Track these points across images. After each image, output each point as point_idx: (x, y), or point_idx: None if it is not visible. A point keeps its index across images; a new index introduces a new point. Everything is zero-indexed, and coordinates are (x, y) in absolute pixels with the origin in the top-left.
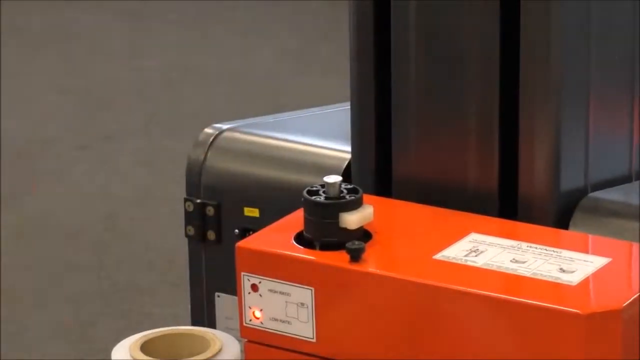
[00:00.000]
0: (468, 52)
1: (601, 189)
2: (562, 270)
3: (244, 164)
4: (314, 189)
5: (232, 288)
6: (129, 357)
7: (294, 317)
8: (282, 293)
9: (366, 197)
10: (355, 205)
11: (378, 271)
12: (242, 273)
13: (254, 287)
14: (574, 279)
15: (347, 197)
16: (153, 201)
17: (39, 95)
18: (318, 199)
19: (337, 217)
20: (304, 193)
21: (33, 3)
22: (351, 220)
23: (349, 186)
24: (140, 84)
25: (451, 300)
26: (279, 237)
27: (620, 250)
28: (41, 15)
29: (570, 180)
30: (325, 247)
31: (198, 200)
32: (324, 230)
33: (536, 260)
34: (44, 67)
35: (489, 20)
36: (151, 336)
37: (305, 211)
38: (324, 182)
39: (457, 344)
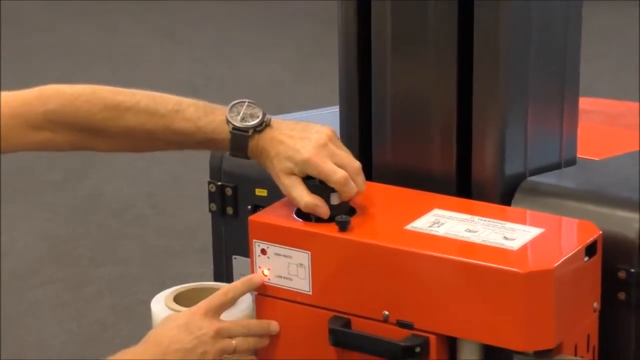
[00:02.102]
0: (431, 64)
1: (537, 174)
2: (506, 238)
3: None
4: None
5: (246, 252)
6: (165, 306)
7: (294, 275)
8: (285, 256)
9: None
10: None
11: (361, 239)
12: (254, 240)
13: (263, 251)
14: (515, 245)
15: None
16: (183, 184)
17: None
18: (314, 182)
19: (328, 196)
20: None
21: (84, 26)
22: (335, 197)
23: None
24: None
25: (419, 262)
26: (283, 212)
27: (552, 222)
28: (92, 35)
29: (512, 166)
30: (319, 219)
31: (219, 183)
32: None
33: (485, 230)
34: (93, 77)
35: (448, 39)
36: (182, 290)
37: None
38: None
39: (423, 297)
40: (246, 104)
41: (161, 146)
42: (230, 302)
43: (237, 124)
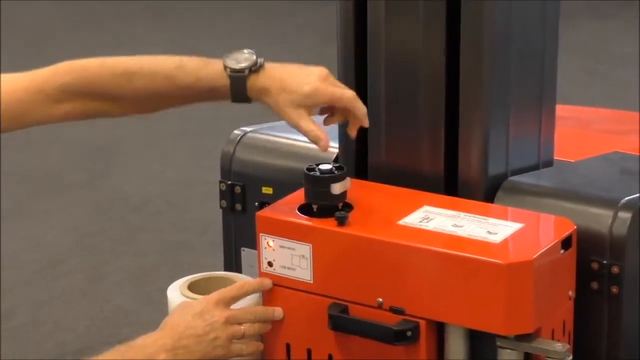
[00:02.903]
0: (422, 72)
1: (517, 174)
2: (489, 233)
3: (262, 156)
4: (312, 166)
5: (253, 244)
6: (180, 294)
7: (297, 266)
8: (289, 248)
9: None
10: (340, 178)
11: (358, 233)
12: (261, 234)
13: (269, 244)
14: (497, 238)
15: (336, 172)
16: (196, 183)
17: None
18: (314, 173)
19: (328, 186)
20: (305, 171)
21: (101, 35)
22: (336, 187)
23: (336, 165)
24: None
25: (410, 254)
26: (287, 208)
27: (531, 218)
28: (109, 44)
29: (495, 167)
30: (320, 213)
31: (229, 182)
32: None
33: (470, 225)
34: None
35: (437, 52)
36: (195, 279)
37: (305, 183)
38: (317, 164)
39: (414, 285)
40: (242, 51)
41: (167, 103)
42: (240, 297)
43: (234, 67)
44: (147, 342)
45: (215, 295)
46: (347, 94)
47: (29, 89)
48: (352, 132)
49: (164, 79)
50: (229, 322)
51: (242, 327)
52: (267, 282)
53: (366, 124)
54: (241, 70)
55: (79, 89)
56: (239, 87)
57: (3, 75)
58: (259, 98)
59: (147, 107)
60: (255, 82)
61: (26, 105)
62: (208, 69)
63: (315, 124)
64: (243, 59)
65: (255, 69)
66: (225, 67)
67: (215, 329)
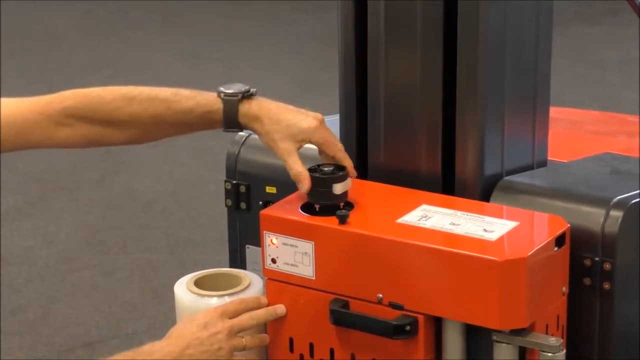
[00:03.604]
0: (420, 79)
1: (512, 174)
2: (485, 231)
3: (266, 156)
4: (314, 167)
5: (257, 242)
6: (187, 289)
7: (300, 262)
8: (292, 245)
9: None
10: (341, 178)
11: (359, 231)
12: (264, 232)
13: (273, 242)
14: (493, 236)
15: (337, 172)
16: (203, 182)
17: None
18: (318, 174)
19: (330, 186)
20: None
21: (114, 43)
22: (338, 187)
23: (338, 166)
24: None
25: (409, 251)
26: (290, 207)
27: (526, 217)
28: (121, 52)
29: (491, 167)
30: (322, 212)
31: (234, 182)
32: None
33: (467, 223)
34: None
35: (435, 60)
36: (201, 275)
37: None
38: (319, 165)
39: (413, 282)
40: (235, 83)
41: (165, 129)
42: (243, 311)
43: (227, 91)
44: (154, 349)
45: (219, 308)
46: (340, 144)
47: (33, 110)
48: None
49: (161, 102)
50: (232, 332)
51: (243, 340)
52: (280, 311)
53: (354, 174)
54: (234, 95)
55: (80, 113)
56: (231, 111)
57: (8, 99)
58: (250, 124)
59: (145, 134)
60: (248, 108)
61: (30, 125)
62: (203, 95)
63: (302, 163)
64: (236, 87)
65: (247, 95)
66: (219, 93)
67: (219, 340)
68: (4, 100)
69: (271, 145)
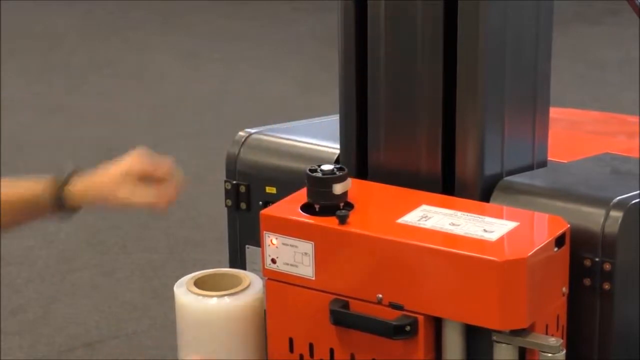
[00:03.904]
0: (420, 81)
1: (512, 174)
2: (485, 231)
3: (266, 156)
4: (314, 168)
5: (257, 242)
6: (187, 290)
7: (300, 262)
8: (291, 245)
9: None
10: (341, 178)
11: (358, 231)
12: (264, 232)
13: (272, 242)
14: (493, 236)
15: (337, 173)
16: (203, 182)
17: (125, 110)
18: (318, 174)
19: (330, 187)
20: (307, 172)
21: (115, 43)
22: (337, 187)
23: (338, 166)
24: (194, 103)
25: (409, 251)
26: (290, 207)
27: (526, 217)
28: (122, 52)
29: (491, 168)
30: (322, 212)
31: (234, 182)
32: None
33: (467, 224)
34: (125, 91)
35: (435, 61)
36: (201, 275)
37: (308, 184)
38: (319, 165)
39: (413, 282)
40: None
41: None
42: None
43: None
44: None
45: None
46: (157, 164)
47: None
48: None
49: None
50: None
51: None
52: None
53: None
54: (56, 180)
55: None
56: (59, 192)
57: None
58: (84, 200)
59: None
60: (75, 187)
61: None
62: (33, 185)
63: (146, 195)
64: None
65: (70, 173)
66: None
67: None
68: None
69: (115, 202)
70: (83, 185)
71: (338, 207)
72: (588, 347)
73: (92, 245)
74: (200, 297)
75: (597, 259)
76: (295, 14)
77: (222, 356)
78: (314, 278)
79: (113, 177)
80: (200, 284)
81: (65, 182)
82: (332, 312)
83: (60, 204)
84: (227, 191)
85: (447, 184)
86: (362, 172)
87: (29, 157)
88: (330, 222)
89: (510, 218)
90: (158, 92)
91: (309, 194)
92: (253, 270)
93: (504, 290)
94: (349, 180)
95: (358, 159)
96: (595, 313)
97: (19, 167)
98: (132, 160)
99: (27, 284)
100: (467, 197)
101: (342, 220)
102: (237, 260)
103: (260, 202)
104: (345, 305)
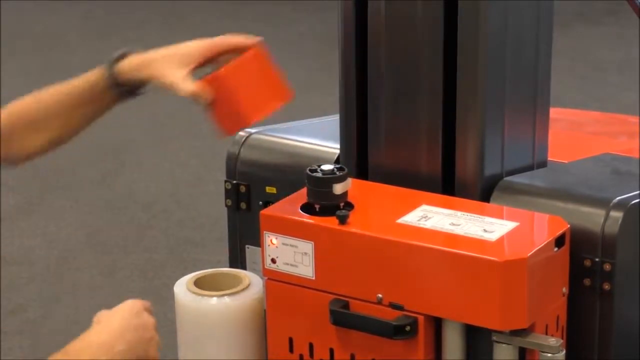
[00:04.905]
0: (420, 76)
1: (512, 174)
2: (485, 231)
3: (266, 156)
4: (314, 167)
5: (257, 242)
6: (187, 289)
7: (300, 262)
8: (291, 245)
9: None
10: (341, 178)
11: (358, 231)
12: (264, 232)
13: (272, 242)
14: (493, 237)
15: (337, 172)
16: (203, 182)
17: (125, 110)
18: (318, 174)
19: (330, 187)
20: (307, 172)
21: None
22: (338, 187)
23: (338, 166)
24: (194, 102)
25: (409, 251)
26: (290, 207)
27: (526, 217)
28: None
29: (491, 168)
30: (322, 212)
31: (234, 182)
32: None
33: (467, 224)
34: None
35: (435, 56)
36: (201, 275)
37: (308, 184)
38: (319, 165)
39: (413, 282)
40: None
41: (73, 115)
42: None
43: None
44: (86, 342)
45: (144, 303)
46: (219, 38)
47: None
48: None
49: (60, 88)
50: (155, 328)
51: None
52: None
53: (253, 40)
54: (110, 60)
55: (7, 129)
56: (111, 70)
57: None
58: (137, 75)
59: (61, 126)
60: (129, 62)
61: None
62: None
63: (193, 82)
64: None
65: (126, 52)
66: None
67: (151, 330)
68: None
69: (162, 82)
70: (136, 60)
71: (338, 207)
72: (588, 347)
73: (92, 245)
74: (200, 297)
75: (597, 259)
76: (296, 14)
77: (222, 356)
78: (313, 278)
79: (167, 56)
80: (200, 283)
81: (118, 58)
82: (332, 312)
83: (114, 82)
84: (227, 191)
85: (447, 184)
86: (362, 172)
87: None
88: (330, 222)
89: (510, 218)
90: (158, 91)
91: (309, 194)
92: (253, 270)
93: (504, 291)
94: (349, 180)
95: (358, 159)
96: (595, 313)
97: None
98: (192, 46)
99: (27, 284)
100: (467, 197)
101: (342, 220)
102: (237, 260)
103: (260, 202)
104: (345, 305)
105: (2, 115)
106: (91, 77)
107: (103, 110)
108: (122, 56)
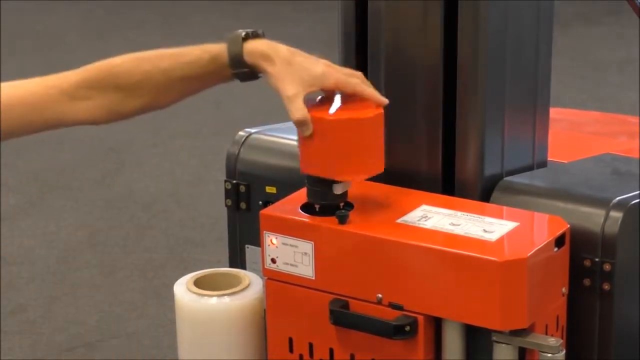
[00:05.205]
0: (420, 76)
1: (512, 174)
2: (485, 231)
3: (266, 156)
4: None
5: (257, 242)
6: (187, 289)
7: (299, 262)
8: (291, 245)
9: None
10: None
11: (358, 231)
12: (264, 231)
13: (272, 241)
14: (493, 237)
15: None
16: (203, 182)
17: None
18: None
19: (330, 187)
20: None
21: (113, 42)
22: (338, 187)
23: None
24: (195, 101)
25: (409, 251)
26: (290, 207)
27: (526, 217)
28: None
29: (491, 168)
30: (322, 212)
31: (234, 181)
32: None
33: (467, 224)
34: None
35: (435, 56)
36: (201, 275)
37: (308, 184)
38: None
39: (413, 282)
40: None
41: (177, 87)
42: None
43: (232, 33)
44: None
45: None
46: (352, 81)
47: (44, 85)
48: None
49: (170, 57)
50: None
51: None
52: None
53: (383, 101)
54: (238, 33)
55: (93, 83)
56: (236, 49)
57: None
58: (259, 63)
59: (158, 95)
60: (255, 46)
61: (41, 100)
62: (210, 44)
63: (304, 109)
64: (241, 29)
65: (253, 34)
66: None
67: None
68: (11, 83)
69: (278, 87)
70: (263, 47)
71: (338, 207)
72: (588, 347)
73: (92, 245)
74: (200, 297)
75: (597, 260)
76: (296, 14)
77: (221, 356)
78: (313, 278)
79: (295, 66)
80: (200, 283)
81: (245, 38)
82: (332, 312)
83: (238, 62)
84: (227, 191)
85: (447, 184)
86: None
87: (30, 157)
88: (330, 222)
89: (510, 218)
90: None
91: (309, 194)
92: (253, 270)
93: (504, 291)
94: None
95: None
96: (595, 313)
97: (19, 167)
98: (326, 73)
99: (27, 284)
100: (467, 197)
101: (342, 220)
102: (237, 260)
103: (260, 202)
104: (345, 305)
105: (90, 67)
106: (212, 50)
107: (213, 85)
108: (248, 36)
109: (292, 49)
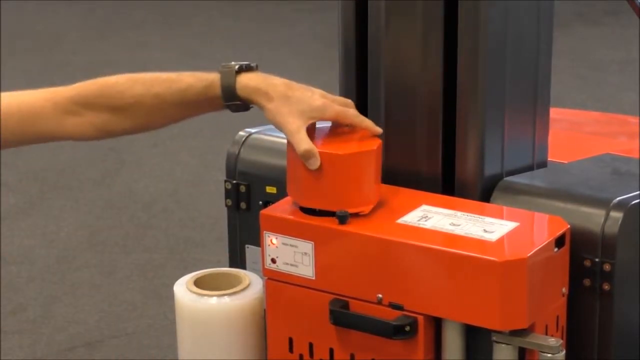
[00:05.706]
0: (420, 76)
1: (512, 175)
2: (485, 231)
3: (267, 156)
4: None
5: (257, 242)
6: (187, 289)
7: (300, 262)
8: (291, 245)
9: None
10: None
11: (358, 231)
12: (264, 231)
13: (272, 241)
14: (493, 237)
15: None
16: (203, 182)
17: None
18: None
19: None
20: None
21: (116, 42)
22: None
23: None
24: None
25: (409, 251)
26: (290, 207)
27: (526, 218)
28: (123, 51)
29: (491, 168)
30: (322, 212)
31: (234, 181)
32: None
33: (467, 224)
34: None
35: (435, 56)
36: (201, 274)
37: None
38: None
39: (413, 282)
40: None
41: (169, 112)
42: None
43: (225, 64)
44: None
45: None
46: (350, 112)
47: (40, 98)
48: None
49: (163, 82)
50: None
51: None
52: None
53: (377, 131)
54: (231, 66)
55: (87, 100)
56: (228, 82)
57: (14, 92)
58: (252, 98)
59: (150, 118)
60: (248, 80)
61: (36, 113)
62: (204, 73)
63: (308, 141)
64: (235, 62)
65: (246, 67)
66: (220, 67)
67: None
68: (10, 93)
69: (279, 122)
70: (257, 81)
71: None
72: (588, 347)
73: (92, 245)
74: (200, 297)
75: (597, 260)
76: (296, 14)
77: (221, 356)
78: (313, 278)
79: (293, 100)
80: (200, 283)
81: (238, 70)
82: (332, 312)
83: (230, 94)
84: (227, 191)
85: (447, 184)
86: None
87: (29, 157)
88: (330, 222)
89: (510, 218)
90: None
91: None
92: (253, 270)
93: (504, 291)
94: None
95: None
96: (595, 313)
97: (19, 167)
98: (325, 104)
99: (27, 284)
100: (467, 197)
101: (342, 220)
102: (237, 260)
103: (260, 202)
104: (345, 305)
105: (86, 84)
106: (206, 80)
107: (205, 113)
108: (242, 69)
109: (287, 82)
